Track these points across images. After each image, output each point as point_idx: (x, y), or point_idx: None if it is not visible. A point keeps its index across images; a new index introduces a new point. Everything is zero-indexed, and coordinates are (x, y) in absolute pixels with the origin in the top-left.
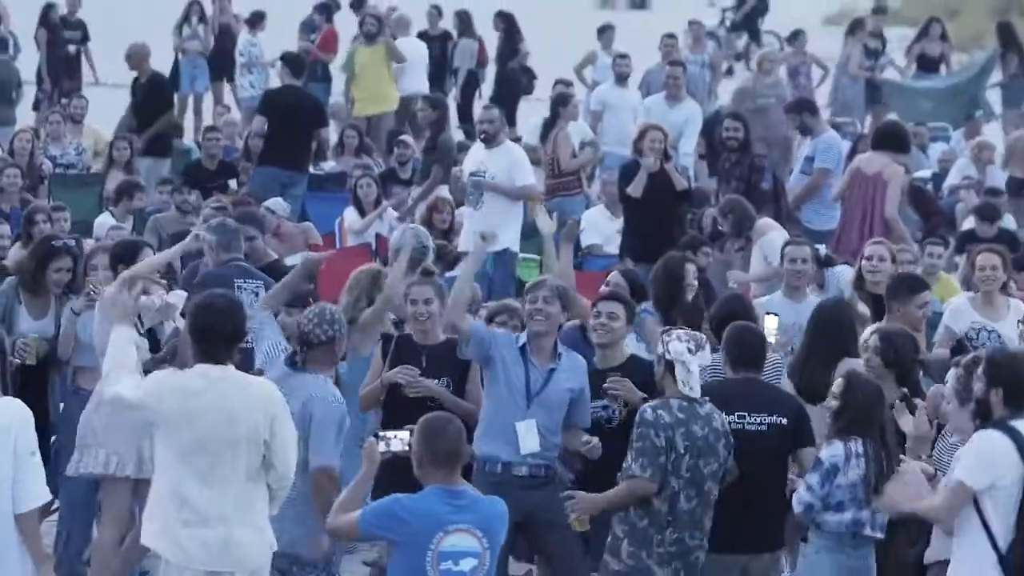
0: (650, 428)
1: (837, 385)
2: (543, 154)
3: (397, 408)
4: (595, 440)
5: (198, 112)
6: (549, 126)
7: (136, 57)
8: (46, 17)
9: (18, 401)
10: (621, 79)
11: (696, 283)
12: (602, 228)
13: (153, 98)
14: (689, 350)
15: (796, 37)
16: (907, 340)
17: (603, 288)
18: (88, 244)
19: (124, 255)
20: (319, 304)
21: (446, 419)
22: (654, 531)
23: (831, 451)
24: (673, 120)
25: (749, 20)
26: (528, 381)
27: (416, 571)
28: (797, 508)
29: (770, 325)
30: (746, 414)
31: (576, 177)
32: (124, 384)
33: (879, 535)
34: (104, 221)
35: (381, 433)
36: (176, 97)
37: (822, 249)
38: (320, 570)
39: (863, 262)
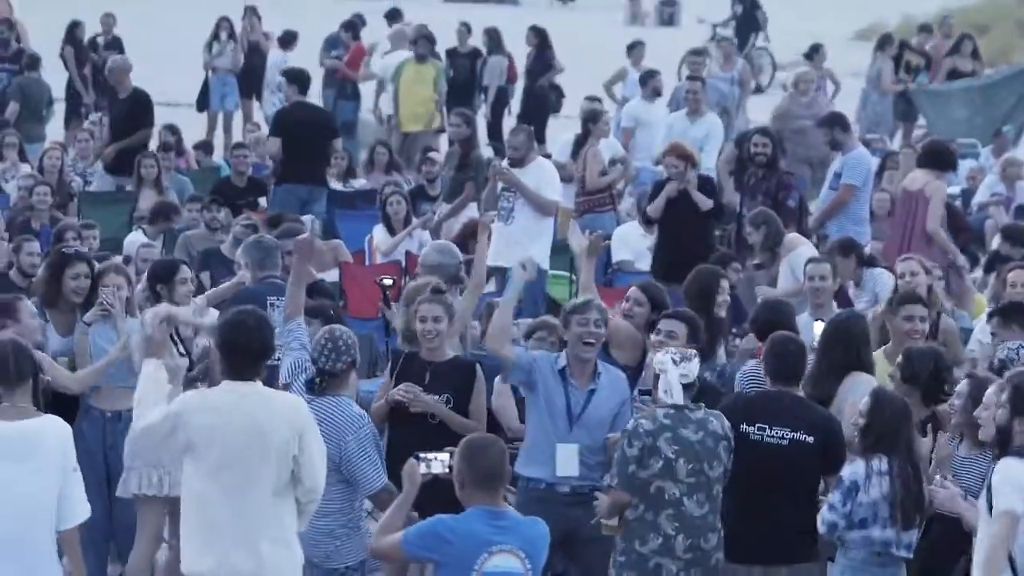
0: (626, 438)
1: (864, 403)
2: (575, 171)
3: (399, 424)
4: (615, 435)
5: (227, 130)
6: (580, 143)
7: (118, 72)
8: (72, 35)
9: (58, 418)
10: (656, 94)
11: (729, 298)
12: (634, 244)
13: (134, 116)
14: (673, 360)
15: (816, 52)
16: (925, 355)
17: (624, 304)
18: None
19: (162, 274)
20: (328, 330)
21: (489, 440)
22: (656, 540)
23: (852, 469)
24: (694, 135)
25: (741, 37)
26: (569, 404)
27: None
28: (821, 528)
29: (819, 331)
30: (767, 427)
31: (607, 194)
32: (151, 414)
33: (905, 554)
34: (135, 239)
35: (422, 455)
36: (207, 115)
37: (867, 248)
38: None
39: (898, 281)
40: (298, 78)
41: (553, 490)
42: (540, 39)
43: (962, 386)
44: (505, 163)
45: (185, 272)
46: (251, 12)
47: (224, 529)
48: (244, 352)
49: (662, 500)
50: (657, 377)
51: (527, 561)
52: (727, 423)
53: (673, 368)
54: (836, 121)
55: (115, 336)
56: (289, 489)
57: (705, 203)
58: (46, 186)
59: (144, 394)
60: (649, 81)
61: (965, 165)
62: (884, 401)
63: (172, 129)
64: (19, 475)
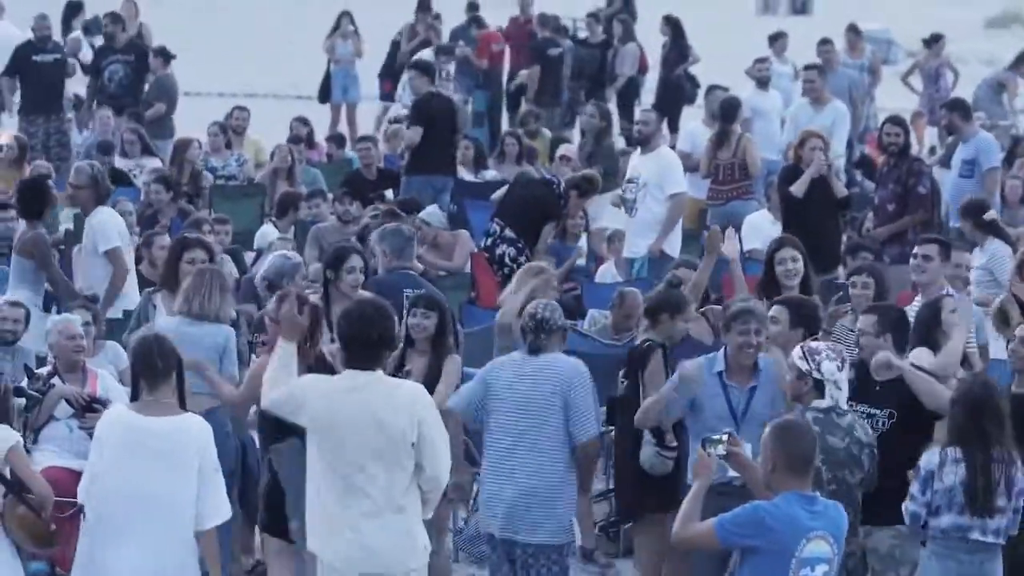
0: None
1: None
2: (711, 159)
3: None
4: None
5: (351, 122)
6: (724, 132)
7: None
8: None
9: (199, 418)
10: (762, 84)
11: (799, 267)
12: (765, 232)
13: None
14: (838, 367)
15: (936, 41)
16: None
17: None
18: (249, 256)
19: (333, 261)
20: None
21: (803, 425)
22: None
23: (927, 458)
24: (820, 123)
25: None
26: (731, 405)
27: None
28: (906, 519)
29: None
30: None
31: (751, 182)
32: (277, 391)
33: (992, 539)
34: (266, 232)
35: (712, 437)
36: (328, 107)
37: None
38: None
39: None
40: (426, 68)
41: (726, 485)
42: (674, 29)
43: None
44: (636, 151)
45: (355, 261)
46: (423, 6)
47: (341, 517)
48: (363, 342)
49: None
50: (822, 384)
51: (835, 546)
52: (870, 430)
53: (841, 376)
54: (956, 107)
55: None
56: (412, 478)
57: (842, 190)
58: (159, 184)
59: (274, 375)
60: (759, 70)
61: None
62: (962, 394)
63: (304, 121)
64: (155, 473)
